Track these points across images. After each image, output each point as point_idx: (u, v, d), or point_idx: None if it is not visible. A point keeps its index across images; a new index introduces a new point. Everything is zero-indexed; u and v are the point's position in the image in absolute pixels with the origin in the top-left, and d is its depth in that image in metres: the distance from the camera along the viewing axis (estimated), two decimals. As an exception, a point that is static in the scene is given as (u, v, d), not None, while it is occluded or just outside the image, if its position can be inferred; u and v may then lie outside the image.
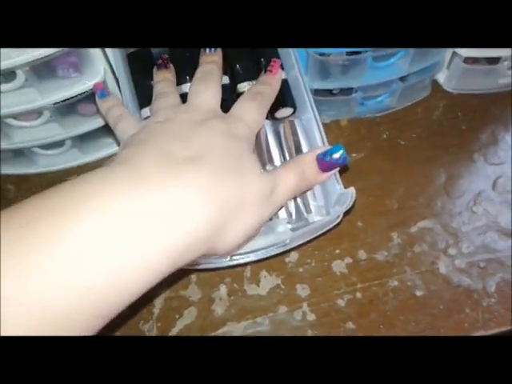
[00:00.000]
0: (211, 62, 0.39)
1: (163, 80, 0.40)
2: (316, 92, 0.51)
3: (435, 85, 0.59)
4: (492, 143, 0.56)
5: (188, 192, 0.27)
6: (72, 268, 0.23)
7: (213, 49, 0.40)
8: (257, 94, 0.37)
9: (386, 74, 0.51)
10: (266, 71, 0.41)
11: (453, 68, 0.56)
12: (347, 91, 0.53)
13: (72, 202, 0.25)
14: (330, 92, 0.53)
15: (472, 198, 0.53)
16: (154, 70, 0.42)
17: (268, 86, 0.39)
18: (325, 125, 0.55)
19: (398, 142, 0.56)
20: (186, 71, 0.42)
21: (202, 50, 0.41)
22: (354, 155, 0.55)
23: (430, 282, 0.49)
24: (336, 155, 0.35)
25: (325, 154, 0.35)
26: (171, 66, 0.42)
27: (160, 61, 0.42)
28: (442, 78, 0.58)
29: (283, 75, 0.43)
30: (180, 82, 0.42)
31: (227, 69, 0.44)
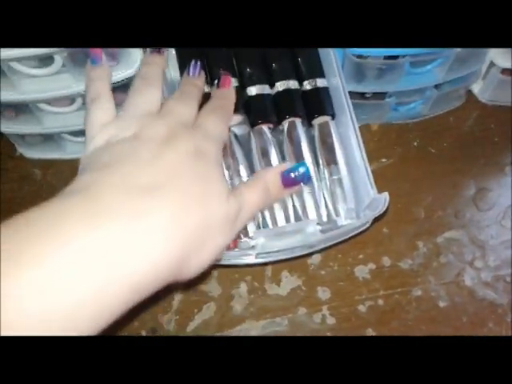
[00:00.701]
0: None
1: (152, 64, 0.38)
2: (349, 95, 0.50)
3: (469, 95, 0.58)
4: (524, 157, 0.55)
5: (150, 224, 0.26)
6: (32, 300, 0.22)
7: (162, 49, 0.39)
8: (217, 108, 0.37)
9: (422, 81, 0.51)
10: (218, 87, 0.40)
11: (489, 79, 0.55)
12: (380, 95, 0.52)
13: (28, 240, 0.23)
14: (362, 95, 0.52)
15: (501, 212, 0.52)
16: (146, 53, 0.40)
17: (224, 99, 0.39)
18: (355, 128, 0.55)
19: (428, 150, 0.55)
20: (220, 65, 0.42)
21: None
22: (383, 160, 0.54)
23: (455, 294, 0.48)
24: (300, 171, 0.34)
25: (289, 170, 0.34)
26: (165, 52, 0.40)
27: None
28: (476, 88, 0.57)
29: (324, 83, 0.43)
30: (213, 77, 0.42)
31: (236, 72, 0.44)
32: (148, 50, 0.40)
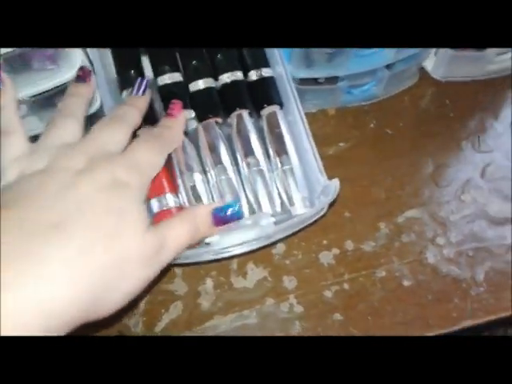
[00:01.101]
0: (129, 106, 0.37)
1: (74, 95, 0.37)
2: (301, 81, 0.50)
3: (423, 72, 0.58)
4: (480, 131, 0.55)
5: (52, 269, 0.24)
6: None
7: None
8: (155, 137, 0.35)
9: (372, 62, 0.51)
10: (166, 114, 0.38)
11: (440, 55, 0.55)
12: (333, 80, 0.52)
13: None
14: (315, 81, 0.52)
15: (460, 187, 0.52)
16: (71, 82, 0.38)
17: (167, 129, 0.37)
18: (311, 114, 0.55)
19: (385, 131, 0.55)
20: (164, 60, 0.41)
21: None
22: (341, 144, 0.54)
23: (418, 272, 0.48)
24: (232, 210, 0.34)
25: (221, 209, 0.34)
26: (92, 80, 0.38)
27: (81, 72, 0.38)
28: (429, 65, 0.58)
29: (269, 72, 0.43)
30: (158, 73, 0.41)
31: (180, 66, 0.43)
32: (72, 79, 0.38)
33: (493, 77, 0.58)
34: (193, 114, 0.42)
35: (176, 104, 0.39)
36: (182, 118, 0.39)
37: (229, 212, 0.33)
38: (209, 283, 0.48)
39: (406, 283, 0.48)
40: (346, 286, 0.48)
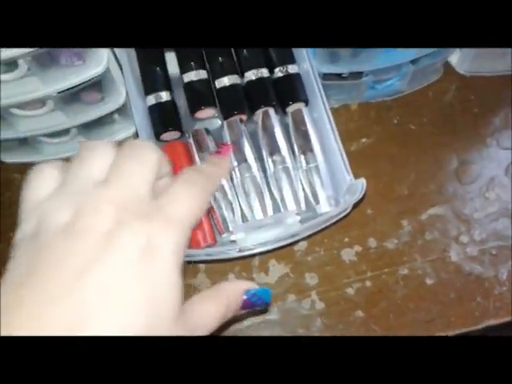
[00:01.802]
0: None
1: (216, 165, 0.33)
2: (325, 76, 0.49)
3: (447, 67, 0.57)
4: (505, 127, 0.55)
5: None
6: None
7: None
8: (199, 175, 0.29)
9: (397, 57, 0.50)
10: (215, 152, 0.37)
11: (465, 50, 0.54)
12: (357, 75, 0.51)
13: None
14: (339, 76, 0.51)
15: (484, 184, 0.52)
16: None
17: (213, 165, 0.33)
18: (334, 109, 0.55)
19: (408, 126, 0.55)
20: (190, 57, 0.41)
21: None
22: (363, 140, 0.54)
23: (441, 270, 0.48)
24: (263, 300, 0.30)
25: (254, 294, 0.29)
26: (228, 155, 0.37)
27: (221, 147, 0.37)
28: (454, 59, 0.57)
29: (295, 69, 0.42)
30: (183, 70, 0.41)
31: (205, 63, 0.43)
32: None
33: (518, 72, 0.57)
34: (216, 112, 0.42)
35: (226, 145, 0.37)
36: (229, 158, 0.37)
37: (261, 299, 0.30)
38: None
39: (428, 281, 0.47)
40: (368, 283, 0.48)
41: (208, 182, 0.29)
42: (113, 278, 0.22)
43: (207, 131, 0.41)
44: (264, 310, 0.47)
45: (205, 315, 0.27)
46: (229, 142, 0.40)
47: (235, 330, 0.46)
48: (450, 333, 0.46)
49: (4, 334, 0.20)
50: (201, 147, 0.40)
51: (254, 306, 0.30)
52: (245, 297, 0.29)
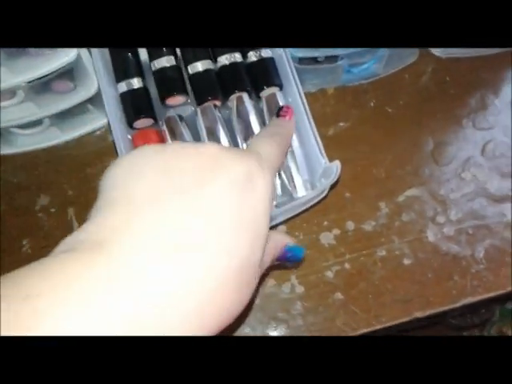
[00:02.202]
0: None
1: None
2: (300, 61, 0.49)
3: (423, 49, 0.57)
4: (481, 108, 0.55)
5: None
6: None
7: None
8: (274, 134, 0.32)
9: (372, 40, 0.50)
10: (278, 116, 0.36)
11: (440, 31, 0.54)
12: (332, 59, 0.51)
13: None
14: (314, 60, 0.51)
15: (460, 165, 0.52)
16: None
17: (282, 128, 0.35)
18: (310, 94, 0.55)
19: (385, 109, 0.55)
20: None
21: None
22: (341, 124, 0.54)
23: (419, 251, 0.48)
24: (297, 256, 0.32)
25: (290, 249, 0.31)
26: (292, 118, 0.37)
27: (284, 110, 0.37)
28: (429, 41, 0.57)
29: (269, 53, 0.42)
30: (154, 56, 0.41)
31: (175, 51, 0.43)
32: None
33: (493, 53, 0.57)
34: (189, 98, 0.41)
35: (289, 108, 0.37)
36: (293, 121, 0.37)
37: (295, 255, 0.32)
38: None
39: (406, 262, 0.48)
40: (346, 265, 0.48)
41: (283, 141, 0.33)
42: (218, 201, 0.24)
43: (180, 118, 0.41)
44: (295, 265, 0.48)
45: (267, 252, 0.29)
46: (203, 132, 0.40)
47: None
48: (429, 312, 0.46)
49: (109, 241, 0.21)
50: (174, 134, 0.40)
51: (288, 260, 0.32)
52: (284, 249, 0.31)
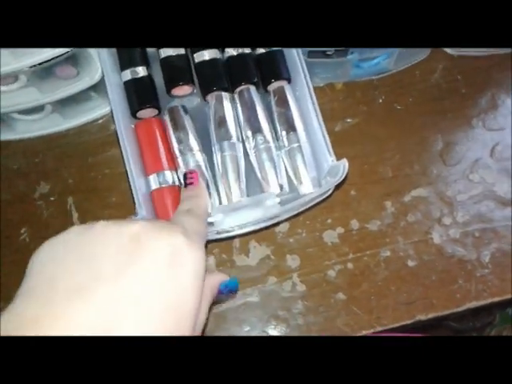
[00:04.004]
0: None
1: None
2: (310, 54, 0.48)
3: (435, 46, 0.56)
4: (492, 108, 0.54)
5: None
6: None
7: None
8: (190, 209, 0.32)
9: (384, 35, 0.48)
10: (185, 185, 0.36)
11: (454, 28, 0.53)
12: (342, 53, 0.50)
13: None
14: (324, 54, 0.50)
15: (469, 166, 0.51)
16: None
17: (196, 198, 0.34)
18: (319, 88, 0.53)
19: (394, 106, 0.54)
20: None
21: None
22: (348, 120, 0.53)
23: (423, 252, 0.48)
24: (232, 289, 0.32)
25: (226, 285, 0.32)
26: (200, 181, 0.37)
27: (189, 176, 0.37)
28: (442, 38, 0.55)
29: None
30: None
31: None
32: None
33: (506, 52, 0.56)
34: (194, 89, 0.40)
35: (193, 173, 0.36)
36: (203, 182, 0.37)
37: (230, 289, 0.32)
38: (211, 261, 0.47)
39: (410, 263, 0.47)
40: (349, 265, 0.47)
41: (200, 212, 0.32)
42: (144, 279, 0.23)
43: (184, 109, 0.40)
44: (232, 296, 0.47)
45: (204, 302, 0.29)
46: (212, 121, 0.39)
47: (217, 313, 0.46)
48: (432, 315, 0.46)
49: (31, 331, 0.21)
50: (177, 126, 0.39)
51: (223, 296, 0.33)
52: (219, 287, 0.31)
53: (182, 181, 0.36)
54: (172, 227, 0.26)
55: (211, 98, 0.40)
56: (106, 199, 0.49)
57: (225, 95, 0.40)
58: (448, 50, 0.56)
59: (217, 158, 0.39)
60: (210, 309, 0.44)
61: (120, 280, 0.23)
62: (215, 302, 0.45)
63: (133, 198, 0.39)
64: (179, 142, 0.38)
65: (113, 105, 0.38)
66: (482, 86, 0.55)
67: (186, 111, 0.40)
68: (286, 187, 0.39)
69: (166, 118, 0.39)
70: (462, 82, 0.55)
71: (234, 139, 0.39)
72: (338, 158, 0.39)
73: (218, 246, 0.47)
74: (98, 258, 0.24)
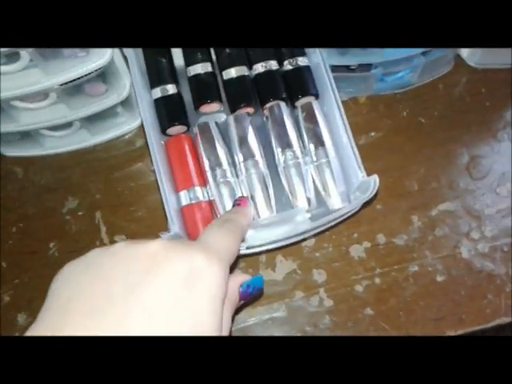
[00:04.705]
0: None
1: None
2: (333, 68, 0.48)
3: (458, 59, 0.56)
4: (517, 121, 0.53)
5: None
6: None
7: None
8: (226, 221, 0.32)
9: (408, 49, 0.49)
10: (234, 205, 0.36)
11: (477, 41, 0.53)
12: (366, 67, 0.50)
13: None
14: (348, 68, 0.50)
15: (496, 179, 0.51)
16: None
17: (237, 214, 0.34)
18: (342, 102, 0.53)
19: (418, 120, 0.53)
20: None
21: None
22: (372, 134, 0.53)
23: (452, 267, 0.47)
24: (257, 287, 0.31)
25: (248, 285, 0.30)
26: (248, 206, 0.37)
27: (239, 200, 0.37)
28: (465, 52, 0.55)
29: (305, 62, 0.41)
30: (189, 62, 0.40)
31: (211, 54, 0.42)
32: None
33: (530, 64, 0.55)
34: (222, 106, 0.41)
35: (243, 198, 0.37)
36: (250, 208, 0.37)
37: (255, 288, 0.31)
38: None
39: (439, 278, 0.47)
40: (377, 280, 0.47)
41: (236, 228, 0.32)
42: (156, 299, 0.23)
43: (216, 125, 0.40)
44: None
45: (227, 308, 0.28)
46: (236, 140, 0.39)
47: (242, 328, 0.46)
48: (461, 331, 0.45)
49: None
50: (207, 142, 0.39)
51: (250, 295, 0.31)
52: (241, 289, 0.30)
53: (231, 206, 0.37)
54: (192, 246, 0.25)
55: (234, 117, 0.40)
56: (133, 213, 0.50)
57: (243, 115, 0.40)
58: (471, 63, 0.56)
59: (242, 175, 0.40)
60: (233, 319, 0.45)
61: (131, 300, 0.23)
62: (244, 304, 0.45)
63: (162, 211, 0.39)
64: (209, 158, 0.39)
65: (145, 123, 0.38)
66: (505, 98, 0.55)
67: (217, 127, 0.40)
68: (314, 202, 0.39)
69: (198, 133, 0.40)
70: (485, 95, 0.55)
71: (259, 157, 0.39)
72: (364, 171, 0.39)
73: (244, 261, 0.47)
74: (112, 278, 0.24)
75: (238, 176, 0.40)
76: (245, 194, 0.40)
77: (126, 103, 0.48)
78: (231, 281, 0.29)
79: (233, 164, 0.40)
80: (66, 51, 0.40)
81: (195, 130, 0.40)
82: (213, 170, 0.39)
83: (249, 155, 0.39)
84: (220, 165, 0.39)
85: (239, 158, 0.40)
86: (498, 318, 0.45)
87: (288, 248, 0.47)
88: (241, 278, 0.30)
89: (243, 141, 0.40)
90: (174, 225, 0.35)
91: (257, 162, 0.39)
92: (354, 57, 0.48)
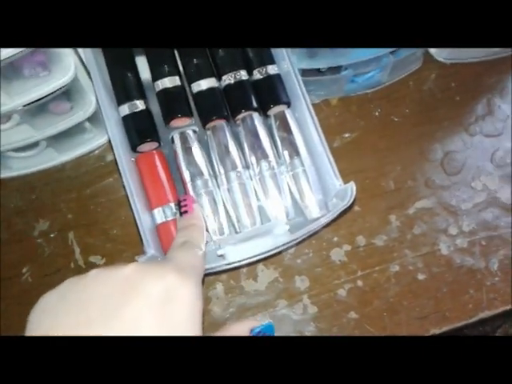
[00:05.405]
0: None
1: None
2: (304, 72, 0.48)
3: (427, 55, 0.56)
4: (488, 114, 0.54)
5: None
6: None
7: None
8: (186, 241, 0.32)
9: (376, 49, 0.48)
10: (181, 214, 0.36)
11: (444, 36, 0.53)
12: (336, 69, 0.50)
13: None
14: (318, 71, 0.50)
15: (470, 173, 0.51)
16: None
17: (191, 227, 0.34)
18: (314, 105, 0.53)
19: (390, 118, 0.53)
20: (163, 60, 0.39)
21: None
22: (346, 135, 0.52)
23: (432, 265, 0.47)
24: (269, 335, 0.31)
25: (259, 332, 0.31)
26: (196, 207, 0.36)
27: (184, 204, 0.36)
28: (433, 48, 0.55)
29: (276, 69, 0.40)
30: (156, 75, 0.39)
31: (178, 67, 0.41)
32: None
33: (497, 57, 0.56)
34: (193, 120, 0.40)
35: (187, 199, 0.36)
36: (198, 208, 0.36)
37: (266, 334, 0.31)
38: (219, 288, 0.46)
39: (420, 277, 0.47)
40: (359, 282, 0.47)
41: (196, 242, 0.32)
42: (136, 320, 0.23)
43: (194, 134, 0.39)
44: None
45: None
46: (214, 147, 0.38)
47: (227, 341, 0.45)
48: (445, 328, 0.45)
49: None
50: (186, 151, 0.38)
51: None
52: (251, 334, 0.30)
53: (177, 209, 0.36)
54: (164, 266, 0.26)
55: (213, 128, 0.40)
56: (107, 232, 0.48)
57: (222, 125, 0.40)
58: (439, 58, 0.56)
59: (223, 187, 0.39)
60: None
61: (110, 322, 0.23)
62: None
63: (136, 228, 0.38)
64: (188, 168, 0.38)
65: (113, 140, 0.37)
66: (476, 92, 0.55)
67: (195, 137, 0.39)
68: (292, 212, 0.39)
69: (177, 143, 0.39)
70: (455, 90, 0.55)
71: (240, 168, 0.39)
72: (340, 174, 0.38)
73: (225, 272, 0.47)
74: (89, 304, 0.24)
75: (219, 186, 0.39)
76: (227, 205, 0.39)
77: (94, 119, 0.46)
78: (241, 326, 0.30)
79: (214, 175, 0.40)
80: (27, 71, 0.39)
81: (174, 139, 0.39)
82: (193, 180, 0.38)
83: (229, 167, 0.39)
84: (201, 174, 0.38)
85: (219, 168, 0.39)
86: (480, 312, 0.46)
87: (268, 257, 0.47)
88: (251, 324, 0.31)
89: (223, 150, 0.39)
90: (150, 247, 0.34)
91: (239, 173, 0.39)
92: (323, 59, 0.48)
